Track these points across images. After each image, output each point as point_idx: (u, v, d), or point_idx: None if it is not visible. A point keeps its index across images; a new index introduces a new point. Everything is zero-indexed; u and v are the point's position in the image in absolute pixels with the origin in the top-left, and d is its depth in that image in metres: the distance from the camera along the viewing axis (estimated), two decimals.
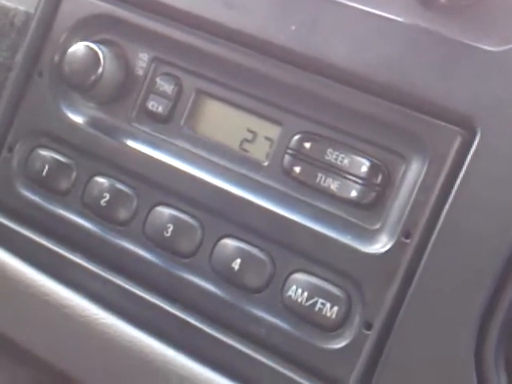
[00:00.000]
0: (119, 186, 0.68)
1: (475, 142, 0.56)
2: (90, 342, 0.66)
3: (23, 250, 0.70)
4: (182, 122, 0.67)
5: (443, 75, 0.57)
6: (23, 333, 0.70)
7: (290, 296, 0.61)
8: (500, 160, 0.55)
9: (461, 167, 0.57)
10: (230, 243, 0.63)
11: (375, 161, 0.60)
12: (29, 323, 0.69)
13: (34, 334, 0.69)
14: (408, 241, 0.58)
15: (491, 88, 0.56)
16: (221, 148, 0.66)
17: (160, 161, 0.66)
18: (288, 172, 0.63)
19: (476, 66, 0.57)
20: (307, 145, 0.62)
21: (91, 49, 0.67)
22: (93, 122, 0.70)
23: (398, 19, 0.59)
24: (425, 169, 0.58)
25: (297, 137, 0.62)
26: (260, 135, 0.64)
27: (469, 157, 0.56)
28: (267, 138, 0.64)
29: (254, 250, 0.62)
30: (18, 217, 0.72)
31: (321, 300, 0.60)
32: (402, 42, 0.59)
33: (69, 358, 0.67)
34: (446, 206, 0.57)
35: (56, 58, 0.70)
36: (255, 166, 0.64)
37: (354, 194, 0.60)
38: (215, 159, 0.65)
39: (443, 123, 0.57)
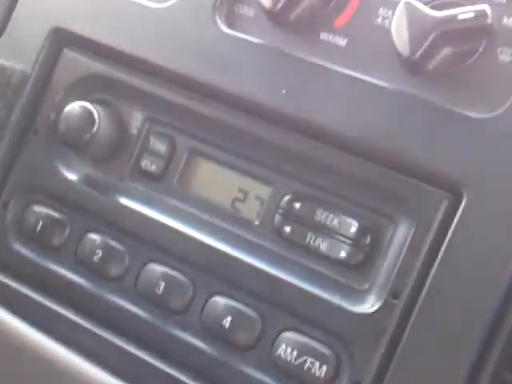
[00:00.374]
0: (112, 242, 0.69)
1: (461, 206, 0.57)
2: None
3: (16, 305, 0.70)
4: (174, 181, 0.68)
5: (430, 141, 0.59)
6: None
7: (280, 354, 0.62)
8: (485, 224, 0.57)
9: (447, 230, 0.58)
10: (220, 301, 0.64)
11: (364, 222, 0.61)
12: (21, 379, 0.69)
13: None
14: (396, 301, 0.59)
15: (477, 154, 0.57)
16: (213, 207, 0.67)
17: (153, 219, 0.67)
18: (278, 231, 0.64)
19: (462, 132, 0.58)
20: (297, 205, 0.63)
21: (86, 108, 0.69)
22: (87, 180, 0.71)
23: (386, 85, 0.61)
24: (412, 231, 0.59)
25: (287, 197, 0.64)
26: (251, 195, 0.66)
27: (455, 220, 0.58)
28: (258, 198, 0.65)
29: (245, 308, 0.63)
30: (11, 271, 0.72)
31: (310, 359, 0.61)
32: (390, 107, 0.60)
33: None
34: (433, 268, 0.58)
35: (52, 116, 0.71)
36: (246, 224, 0.65)
37: (343, 254, 0.61)
38: (207, 218, 0.67)
39: (430, 187, 0.59)
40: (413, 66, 0.60)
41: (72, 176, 0.71)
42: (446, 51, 0.59)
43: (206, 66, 0.66)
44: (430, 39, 0.58)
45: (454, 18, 0.58)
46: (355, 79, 0.62)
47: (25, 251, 0.72)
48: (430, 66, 0.60)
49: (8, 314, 0.70)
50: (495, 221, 0.56)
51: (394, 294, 0.59)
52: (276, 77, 0.64)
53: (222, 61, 0.66)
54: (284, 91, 0.63)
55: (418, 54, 0.59)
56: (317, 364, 0.60)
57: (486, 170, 0.57)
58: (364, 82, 0.61)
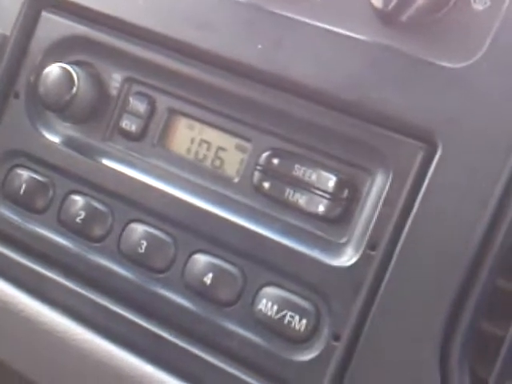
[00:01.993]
0: (94, 203, 0.69)
1: (436, 156, 0.58)
2: (66, 357, 0.67)
3: (0, 267, 0.71)
4: (155, 141, 0.69)
5: (404, 91, 0.59)
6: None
7: (261, 309, 0.62)
8: (461, 173, 0.57)
9: (423, 180, 0.58)
10: (201, 258, 0.65)
11: (341, 176, 0.61)
12: (5, 338, 0.70)
13: (10, 348, 0.70)
14: (373, 253, 0.59)
15: (450, 103, 0.57)
16: (192, 165, 0.67)
17: (134, 178, 0.68)
18: (258, 188, 0.64)
19: (435, 82, 0.58)
20: (276, 161, 0.63)
21: (65, 70, 0.69)
22: (68, 142, 0.71)
23: (360, 37, 0.61)
24: (389, 183, 0.59)
25: (266, 153, 0.64)
26: (230, 153, 0.66)
27: (431, 170, 0.58)
28: (237, 156, 0.66)
29: (226, 265, 0.64)
30: None
31: (290, 313, 0.61)
32: (363, 59, 0.60)
33: (45, 373, 0.68)
34: (410, 219, 0.58)
35: (31, 79, 0.72)
36: (226, 182, 0.66)
37: (321, 208, 0.62)
38: (187, 176, 0.67)
39: (405, 138, 0.59)
40: (387, 18, 0.60)
41: (53, 138, 0.71)
42: (419, 2, 0.59)
43: (183, 25, 0.67)
44: None
45: None
46: (330, 32, 0.62)
47: (9, 214, 0.72)
48: (404, 17, 0.59)
49: None
50: (469, 170, 0.56)
51: (372, 246, 0.59)
52: (252, 33, 0.64)
53: (198, 19, 0.66)
54: (259, 46, 0.63)
55: (391, 6, 0.59)
56: (296, 318, 0.61)
57: (461, 120, 0.57)
58: (339, 34, 0.61)
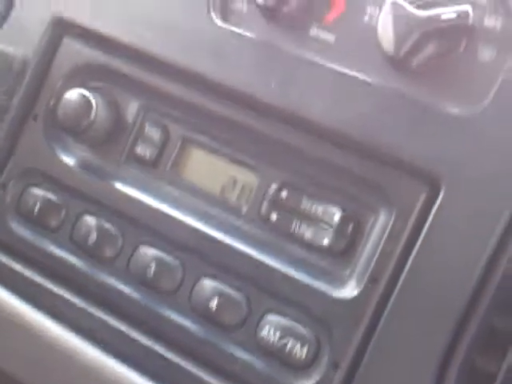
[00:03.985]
0: (106, 225, 0.71)
1: (439, 198, 0.60)
2: (74, 374, 0.69)
3: (13, 283, 0.73)
4: (168, 167, 0.71)
5: (411, 135, 0.61)
6: (9, 362, 0.72)
7: (264, 335, 0.64)
8: (462, 214, 0.59)
9: (426, 220, 0.60)
10: (208, 283, 0.67)
11: (347, 210, 0.64)
12: (15, 354, 0.72)
13: (20, 364, 0.72)
14: (375, 286, 0.61)
15: (456, 149, 0.60)
16: (203, 193, 0.69)
17: (146, 203, 0.70)
18: (265, 219, 0.66)
19: (442, 127, 0.60)
20: (284, 193, 0.66)
21: (85, 96, 0.71)
22: (84, 164, 0.73)
23: (371, 80, 0.63)
24: (392, 220, 0.62)
25: (274, 186, 0.66)
26: (240, 183, 0.68)
27: (433, 211, 0.60)
28: (247, 186, 0.68)
29: (231, 291, 0.66)
30: (9, 251, 0.75)
31: (292, 340, 0.63)
32: (374, 102, 0.63)
33: None
34: (412, 256, 0.60)
35: (51, 102, 0.73)
36: (235, 211, 0.68)
37: (326, 241, 0.64)
38: (197, 204, 0.69)
39: (410, 179, 0.61)
40: (397, 63, 0.62)
41: (69, 160, 0.73)
42: (429, 49, 0.61)
43: (199, 58, 0.69)
44: (414, 38, 0.60)
45: (437, 17, 0.60)
46: (342, 74, 0.64)
47: (23, 232, 0.74)
48: (414, 64, 0.62)
49: (4, 292, 0.73)
50: (471, 212, 0.59)
51: (374, 279, 0.61)
52: (267, 70, 0.66)
53: (215, 53, 0.68)
54: (273, 84, 0.66)
55: (402, 52, 0.61)
56: (298, 345, 0.63)
57: (464, 165, 0.60)
58: (350, 77, 0.64)
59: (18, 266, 0.74)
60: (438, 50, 0.62)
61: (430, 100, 0.61)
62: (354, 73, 0.64)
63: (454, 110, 0.61)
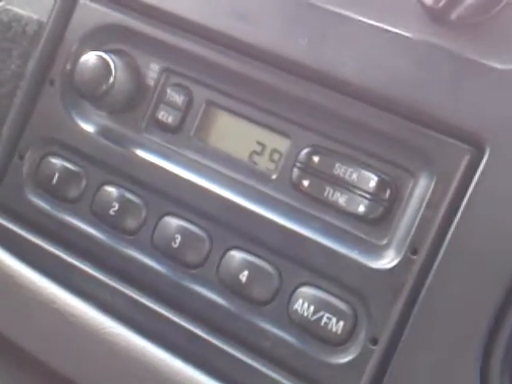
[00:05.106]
0: (128, 195, 0.68)
1: (483, 160, 0.56)
2: (97, 350, 0.67)
3: (32, 257, 0.71)
4: (191, 133, 0.68)
5: (453, 92, 0.57)
6: (30, 339, 0.70)
7: (296, 310, 0.61)
8: (508, 179, 0.56)
9: (469, 185, 0.57)
10: (237, 255, 0.64)
11: (383, 176, 0.60)
12: (36, 329, 0.70)
13: (41, 341, 0.69)
14: (415, 257, 0.58)
15: (501, 106, 0.56)
16: (230, 159, 0.66)
17: (169, 171, 0.67)
18: (296, 185, 0.63)
19: (486, 83, 0.57)
20: (316, 158, 0.62)
21: (103, 58, 0.68)
22: (103, 131, 0.70)
23: (408, 35, 0.60)
24: (432, 185, 0.58)
25: (306, 150, 0.63)
26: (269, 148, 0.65)
27: (477, 175, 0.56)
28: (276, 151, 0.64)
29: (262, 263, 0.63)
30: (27, 223, 0.72)
31: (327, 314, 0.60)
32: (411, 57, 0.59)
33: (74, 366, 0.68)
34: (454, 224, 0.57)
35: (68, 66, 0.71)
36: (264, 178, 0.65)
37: (361, 208, 0.60)
38: (224, 170, 0.66)
39: (452, 140, 0.58)
40: (436, 16, 0.59)
41: (88, 127, 0.70)
42: (469, 0, 0.57)
43: (224, 16, 0.65)
44: None
45: None
46: (378, 28, 0.60)
47: (40, 203, 0.72)
48: (454, 16, 0.58)
49: (23, 266, 0.70)
50: None
51: (413, 250, 0.58)
52: (296, 26, 0.63)
53: (241, 10, 0.65)
54: (304, 41, 0.62)
55: (441, 3, 0.57)
56: (334, 320, 0.60)
57: (510, 123, 0.56)
58: (387, 31, 0.60)
59: (36, 239, 0.71)
60: (479, 1, 0.58)
61: (473, 54, 0.57)
62: (390, 27, 0.60)
63: (499, 63, 0.57)
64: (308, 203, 0.63)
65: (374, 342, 0.59)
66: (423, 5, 0.59)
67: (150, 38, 0.69)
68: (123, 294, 0.67)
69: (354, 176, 0.61)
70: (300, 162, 0.63)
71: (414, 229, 0.58)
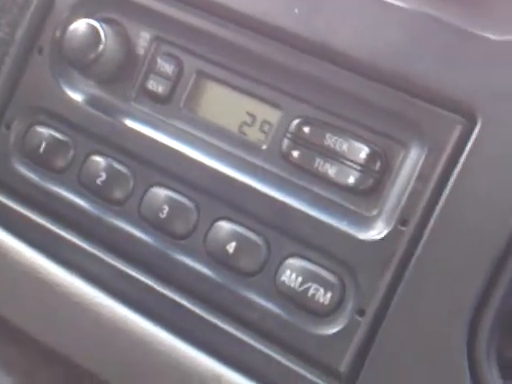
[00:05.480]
0: (116, 165, 0.67)
1: (475, 131, 0.56)
2: (82, 321, 0.66)
3: (18, 227, 0.70)
4: (181, 104, 0.67)
5: (445, 63, 0.57)
6: (15, 310, 0.70)
7: (284, 281, 0.61)
8: (499, 150, 0.55)
9: (460, 156, 0.56)
10: (225, 226, 0.63)
11: (374, 147, 0.60)
12: (21, 300, 0.69)
13: (26, 312, 0.69)
14: (404, 228, 0.57)
15: (493, 77, 0.56)
16: (219, 130, 0.65)
17: (158, 141, 0.66)
18: (286, 156, 0.62)
19: (479, 54, 0.56)
20: (306, 129, 0.62)
21: (92, 26, 0.67)
22: (92, 101, 0.69)
23: (403, 5, 0.59)
24: (423, 157, 0.57)
25: (296, 121, 0.62)
26: (259, 119, 0.64)
27: (468, 146, 0.56)
28: (266, 122, 0.64)
29: (250, 234, 0.62)
30: (14, 193, 0.71)
31: (314, 285, 0.60)
32: (405, 28, 0.59)
33: (60, 336, 0.67)
34: (444, 195, 0.56)
35: (57, 34, 0.70)
36: (253, 149, 0.64)
37: (351, 179, 0.60)
38: (213, 141, 0.65)
39: (443, 111, 0.57)
40: None
41: (76, 96, 0.70)
42: None
43: None
44: None
45: None
46: None
47: (27, 173, 0.71)
48: None
49: (9, 236, 0.70)
50: (509, 147, 0.55)
51: (403, 221, 0.57)
52: None
53: None
54: (296, 11, 0.62)
55: None
56: (321, 291, 0.59)
57: (504, 96, 0.55)
58: (380, 1, 0.60)
59: (22, 209, 0.70)
60: None
61: (467, 25, 0.57)
62: None
63: (493, 35, 0.56)
64: (298, 174, 0.62)
65: (361, 313, 0.58)
66: None
67: (140, 6, 0.68)
68: (110, 264, 0.66)
69: (345, 147, 0.60)
70: (290, 133, 0.62)
71: (404, 200, 0.58)
